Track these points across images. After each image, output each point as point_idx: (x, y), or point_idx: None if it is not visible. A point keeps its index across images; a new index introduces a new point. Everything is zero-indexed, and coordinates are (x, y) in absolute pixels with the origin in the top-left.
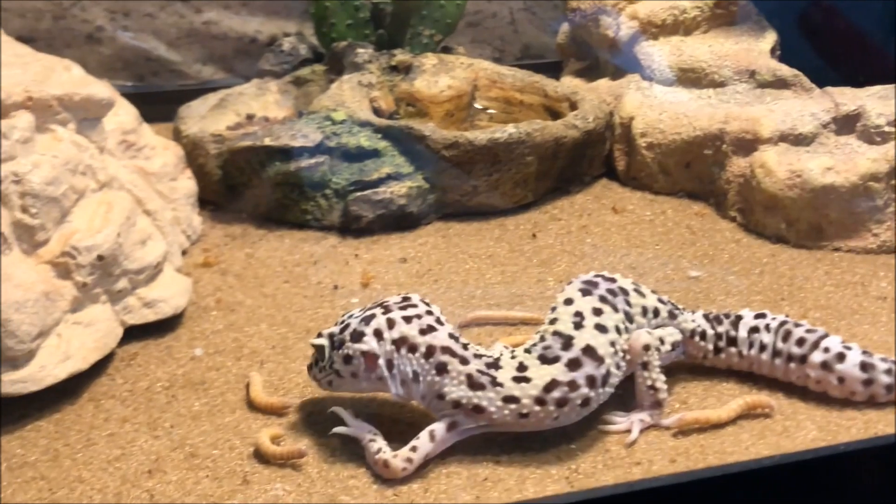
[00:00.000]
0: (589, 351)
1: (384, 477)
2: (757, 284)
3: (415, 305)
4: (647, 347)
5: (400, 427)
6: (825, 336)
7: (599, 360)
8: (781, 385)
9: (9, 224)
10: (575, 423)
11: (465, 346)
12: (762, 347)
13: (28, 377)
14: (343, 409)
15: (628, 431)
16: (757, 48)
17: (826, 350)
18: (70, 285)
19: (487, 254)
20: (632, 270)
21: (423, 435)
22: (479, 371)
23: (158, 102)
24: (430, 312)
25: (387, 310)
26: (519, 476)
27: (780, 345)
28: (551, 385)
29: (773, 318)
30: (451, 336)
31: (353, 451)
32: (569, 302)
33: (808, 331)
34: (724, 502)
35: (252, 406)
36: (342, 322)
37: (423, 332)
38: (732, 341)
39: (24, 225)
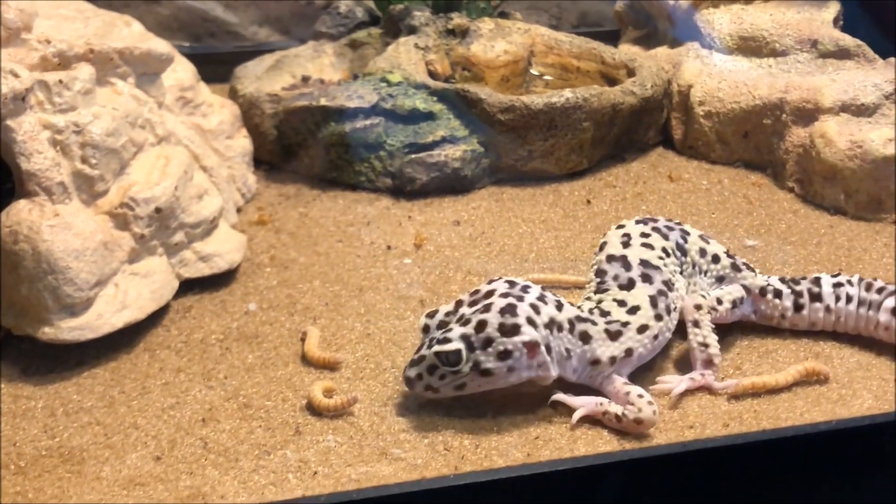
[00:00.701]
0: (645, 263)
1: (643, 431)
2: (814, 255)
3: (527, 286)
4: (698, 307)
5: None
6: None
7: (657, 268)
8: (839, 354)
9: (69, 174)
10: None
11: (579, 309)
12: (849, 299)
13: (85, 325)
14: (562, 394)
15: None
16: (819, 18)
17: None
18: (128, 236)
19: (541, 218)
20: None
21: (624, 388)
22: (608, 323)
23: (214, 63)
24: (541, 289)
25: (519, 298)
26: (570, 436)
27: (863, 294)
28: (653, 300)
29: (850, 277)
30: (569, 305)
31: (405, 406)
32: (620, 227)
33: (887, 284)
34: (778, 468)
35: (305, 360)
36: (459, 321)
37: (559, 308)
38: (816, 297)
39: (83, 175)
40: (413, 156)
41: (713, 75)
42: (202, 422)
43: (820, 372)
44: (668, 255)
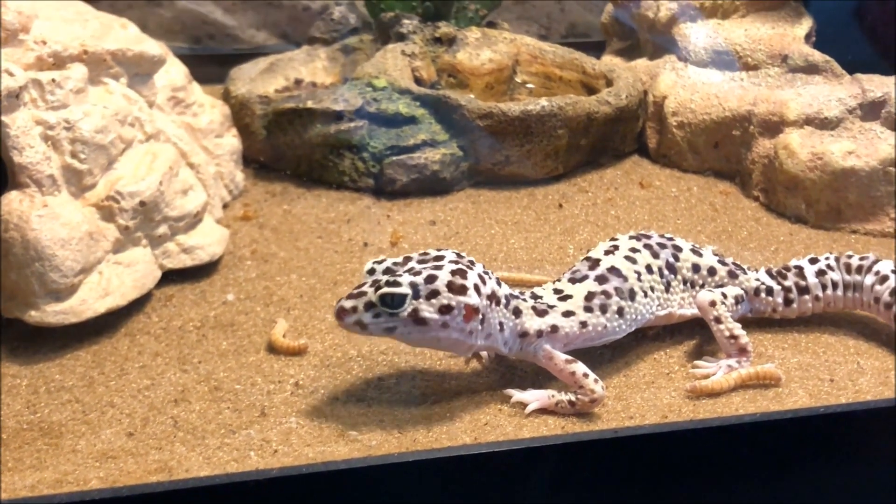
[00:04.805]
0: (613, 270)
1: (595, 408)
2: (770, 260)
3: (472, 261)
4: (713, 303)
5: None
6: (878, 261)
7: (623, 277)
8: (781, 355)
9: (58, 167)
10: None
11: (511, 289)
12: (835, 286)
13: (69, 309)
14: (513, 389)
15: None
16: (792, 33)
17: (876, 273)
18: (113, 228)
19: (514, 220)
20: None
21: (567, 366)
22: (536, 302)
23: (213, 65)
24: (482, 267)
25: (470, 265)
26: (518, 424)
27: (846, 278)
28: (589, 295)
29: (826, 257)
30: (504, 285)
31: (366, 393)
32: (613, 240)
33: (861, 258)
34: (704, 457)
35: (271, 348)
36: (409, 271)
37: (498, 284)
38: (804, 290)
39: (72, 169)
40: (394, 158)
41: (687, 87)
42: (174, 402)
43: (772, 377)
44: (651, 272)
